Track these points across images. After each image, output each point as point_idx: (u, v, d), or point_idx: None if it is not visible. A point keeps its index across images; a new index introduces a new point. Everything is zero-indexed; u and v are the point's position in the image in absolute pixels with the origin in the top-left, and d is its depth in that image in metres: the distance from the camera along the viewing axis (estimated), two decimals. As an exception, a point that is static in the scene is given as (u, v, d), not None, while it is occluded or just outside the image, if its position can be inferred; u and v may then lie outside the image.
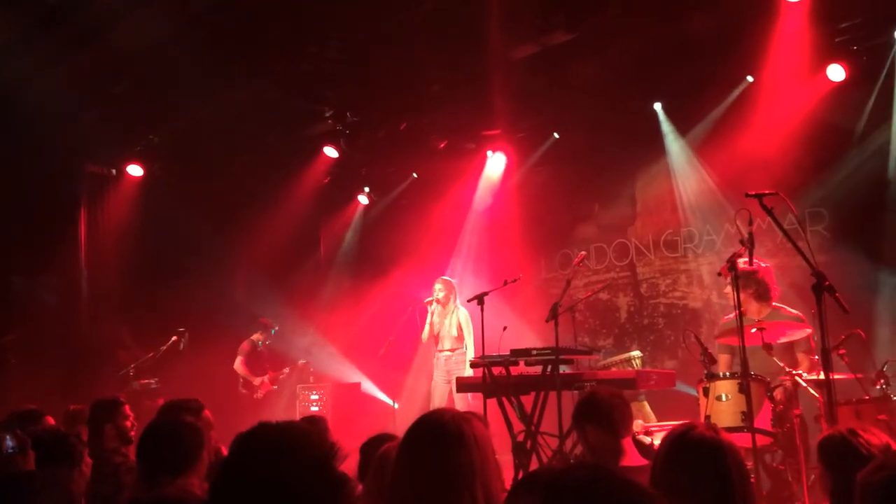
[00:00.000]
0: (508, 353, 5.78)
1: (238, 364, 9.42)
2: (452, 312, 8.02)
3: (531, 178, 9.66)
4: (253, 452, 1.65)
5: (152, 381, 8.77)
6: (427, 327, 8.01)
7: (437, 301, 8.01)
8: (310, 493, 1.59)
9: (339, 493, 1.61)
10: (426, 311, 8.07)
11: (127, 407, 4.43)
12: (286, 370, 9.61)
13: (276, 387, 9.46)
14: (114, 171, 9.92)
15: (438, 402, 7.86)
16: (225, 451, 3.69)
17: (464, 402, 7.40)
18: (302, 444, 1.63)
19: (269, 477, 1.58)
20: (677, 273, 8.87)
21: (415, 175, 10.32)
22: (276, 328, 9.70)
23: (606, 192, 9.37)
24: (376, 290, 9.93)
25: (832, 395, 3.85)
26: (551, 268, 9.68)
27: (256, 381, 9.38)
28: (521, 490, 1.37)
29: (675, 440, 2.38)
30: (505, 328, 6.40)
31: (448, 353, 7.99)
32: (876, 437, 2.46)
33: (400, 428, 2.45)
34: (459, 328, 7.98)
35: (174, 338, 8.87)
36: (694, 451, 2.30)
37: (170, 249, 9.56)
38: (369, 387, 9.91)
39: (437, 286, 8.09)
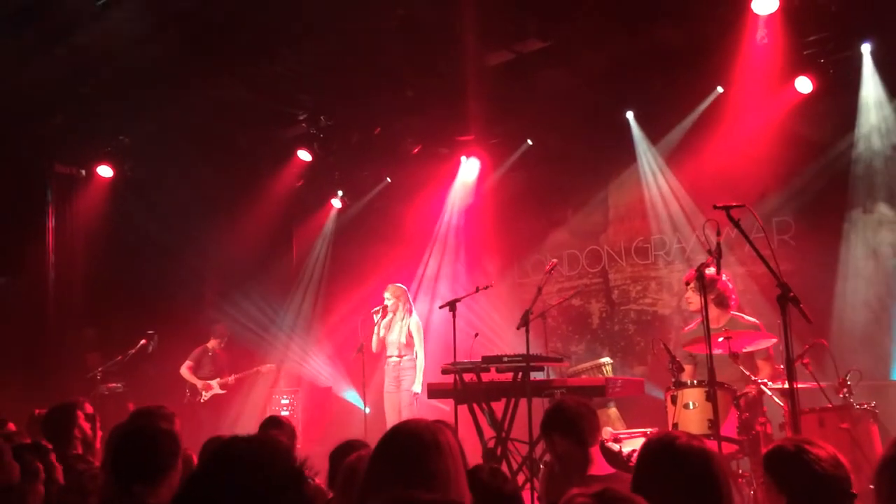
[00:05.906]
0: (480, 359, 5.79)
1: (183, 369, 9.29)
2: (402, 320, 7.78)
3: (504, 183, 9.70)
4: (224, 466, 1.64)
5: (120, 385, 8.65)
6: (374, 337, 7.79)
7: (386, 309, 7.76)
8: None
9: None
10: (371, 322, 7.83)
11: (82, 415, 4.30)
12: (246, 373, 9.45)
13: (224, 391, 9.29)
14: (83, 172, 9.76)
15: (390, 409, 7.67)
16: (196, 459, 3.62)
17: (410, 412, 7.31)
18: (273, 459, 1.63)
19: (239, 492, 1.57)
20: (648, 280, 8.96)
21: (388, 179, 10.31)
22: (227, 335, 9.55)
23: (579, 199, 9.44)
24: (349, 293, 9.90)
25: (796, 403, 3.91)
26: (524, 273, 9.72)
27: (200, 384, 9.24)
28: None
29: (662, 449, 2.37)
30: (476, 335, 6.43)
31: (396, 358, 7.73)
32: (824, 451, 2.46)
33: (371, 433, 2.46)
34: (409, 336, 7.72)
35: (143, 341, 8.75)
36: (683, 459, 2.29)
37: (140, 251, 9.46)
38: (341, 391, 9.87)
39: (387, 294, 7.86)
